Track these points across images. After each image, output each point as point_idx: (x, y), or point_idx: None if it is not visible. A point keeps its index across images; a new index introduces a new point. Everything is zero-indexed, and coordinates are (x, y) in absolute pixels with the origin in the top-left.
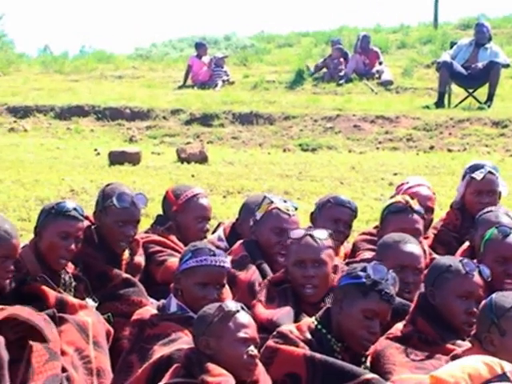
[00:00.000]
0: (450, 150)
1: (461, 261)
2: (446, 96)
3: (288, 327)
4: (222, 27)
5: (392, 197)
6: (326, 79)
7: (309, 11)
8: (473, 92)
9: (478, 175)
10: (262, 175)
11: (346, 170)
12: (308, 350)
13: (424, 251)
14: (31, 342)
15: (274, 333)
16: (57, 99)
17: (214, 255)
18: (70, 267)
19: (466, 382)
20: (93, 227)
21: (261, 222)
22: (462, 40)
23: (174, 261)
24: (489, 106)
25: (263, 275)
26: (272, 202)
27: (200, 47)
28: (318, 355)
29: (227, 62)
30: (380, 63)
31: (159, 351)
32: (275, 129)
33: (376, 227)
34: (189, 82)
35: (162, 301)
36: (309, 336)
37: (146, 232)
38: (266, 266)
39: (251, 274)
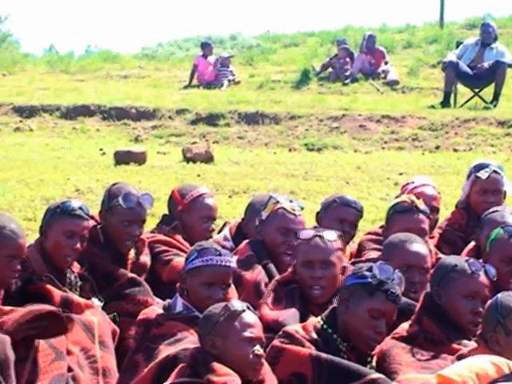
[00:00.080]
0: (455, 150)
1: (467, 260)
2: (452, 96)
3: (294, 327)
4: (227, 27)
5: (397, 196)
6: (332, 79)
7: (315, 11)
8: (479, 92)
9: (483, 174)
10: (267, 175)
11: (352, 169)
12: (314, 349)
13: (430, 251)
14: (37, 342)
15: (280, 332)
16: (62, 99)
17: (220, 255)
18: (76, 267)
19: (474, 381)
20: (98, 227)
21: (267, 221)
22: (467, 40)
23: (179, 260)
24: (495, 106)
25: (269, 275)
26: (278, 202)
27: (206, 47)
28: (323, 355)
29: (233, 61)
30: (386, 63)
31: (165, 351)
32: (281, 128)
33: (382, 227)
34: (194, 81)
35: (168, 300)
36: (315, 336)
37: (152, 232)
38: (271, 266)
39: (257, 273)
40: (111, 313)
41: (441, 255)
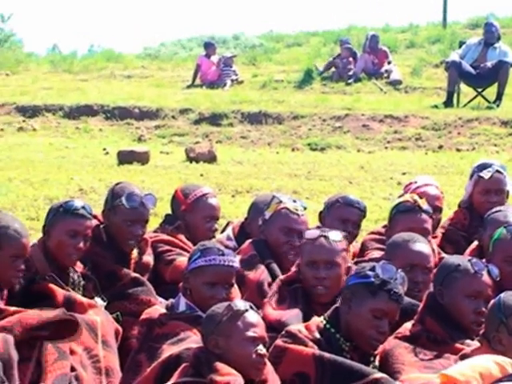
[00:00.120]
0: (458, 150)
1: (469, 260)
2: (455, 95)
3: (296, 327)
4: (230, 27)
5: (400, 196)
6: (335, 79)
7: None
8: (482, 91)
9: (486, 174)
10: (270, 174)
11: (355, 169)
12: (317, 349)
13: (433, 250)
14: (40, 342)
15: (283, 332)
16: (66, 98)
17: (223, 255)
18: (79, 266)
19: (477, 380)
20: (101, 226)
21: (270, 221)
22: (470, 39)
23: (182, 260)
24: (498, 106)
25: (272, 275)
26: (281, 202)
27: (209, 47)
28: (326, 354)
29: (236, 61)
30: (389, 63)
31: (168, 350)
32: (284, 128)
33: (384, 226)
34: (197, 81)
35: (171, 300)
36: (317, 335)
37: (155, 231)
38: (274, 266)
39: (260, 273)
40: (114, 312)
41: (444, 255)
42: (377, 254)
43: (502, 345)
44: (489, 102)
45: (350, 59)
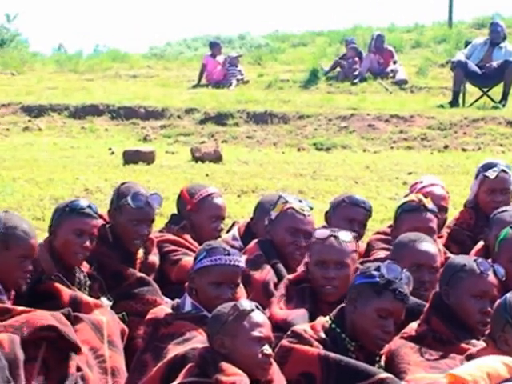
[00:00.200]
0: (464, 150)
1: (475, 260)
2: (461, 95)
3: (302, 326)
4: (236, 26)
5: (406, 196)
6: (341, 78)
7: (323, 11)
8: (487, 91)
9: (491, 174)
10: (276, 174)
11: (361, 169)
12: (322, 349)
13: (438, 250)
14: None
15: (288, 332)
16: (71, 98)
17: (229, 254)
18: (85, 266)
19: (485, 381)
20: (107, 226)
21: (276, 221)
22: (476, 39)
23: (188, 260)
24: (503, 106)
25: (278, 275)
26: (287, 202)
27: (214, 46)
28: (332, 354)
29: (241, 61)
30: (394, 62)
31: (173, 350)
32: (289, 128)
33: (390, 226)
34: (203, 81)
35: (177, 300)
36: (323, 335)
37: (161, 231)
38: (280, 266)
39: (266, 273)
40: (120, 312)
41: (449, 255)
42: (382, 254)
43: (507, 345)
44: (494, 101)
45: (356, 59)
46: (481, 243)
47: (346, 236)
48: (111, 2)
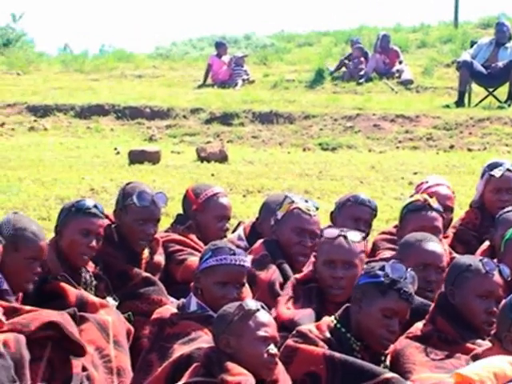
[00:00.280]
0: (470, 150)
1: (481, 260)
2: (466, 95)
3: (307, 326)
4: (241, 26)
5: (411, 196)
6: (346, 78)
7: (329, 10)
8: (493, 91)
9: (497, 173)
10: (281, 174)
11: (366, 169)
12: (327, 349)
13: (444, 250)
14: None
15: (294, 332)
16: (77, 98)
17: (234, 254)
18: (91, 266)
19: (492, 381)
20: (113, 226)
21: (282, 221)
22: (482, 39)
23: (193, 260)
24: (509, 105)
25: (284, 275)
26: (293, 202)
27: (220, 46)
28: (337, 354)
29: (247, 61)
30: (400, 62)
31: (179, 350)
32: (295, 128)
33: (395, 226)
34: (209, 81)
35: (182, 300)
36: (328, 335)
37: (166, 231)
38: (286, 266)
39: (271, 273)
40: (126, 312)
41: (455, 255)
42: (388, 253)
43: None
44: (500, 101)
45: (361, 59)
46: (486, 243)
47: (354, 236)
48: (117, 2)
